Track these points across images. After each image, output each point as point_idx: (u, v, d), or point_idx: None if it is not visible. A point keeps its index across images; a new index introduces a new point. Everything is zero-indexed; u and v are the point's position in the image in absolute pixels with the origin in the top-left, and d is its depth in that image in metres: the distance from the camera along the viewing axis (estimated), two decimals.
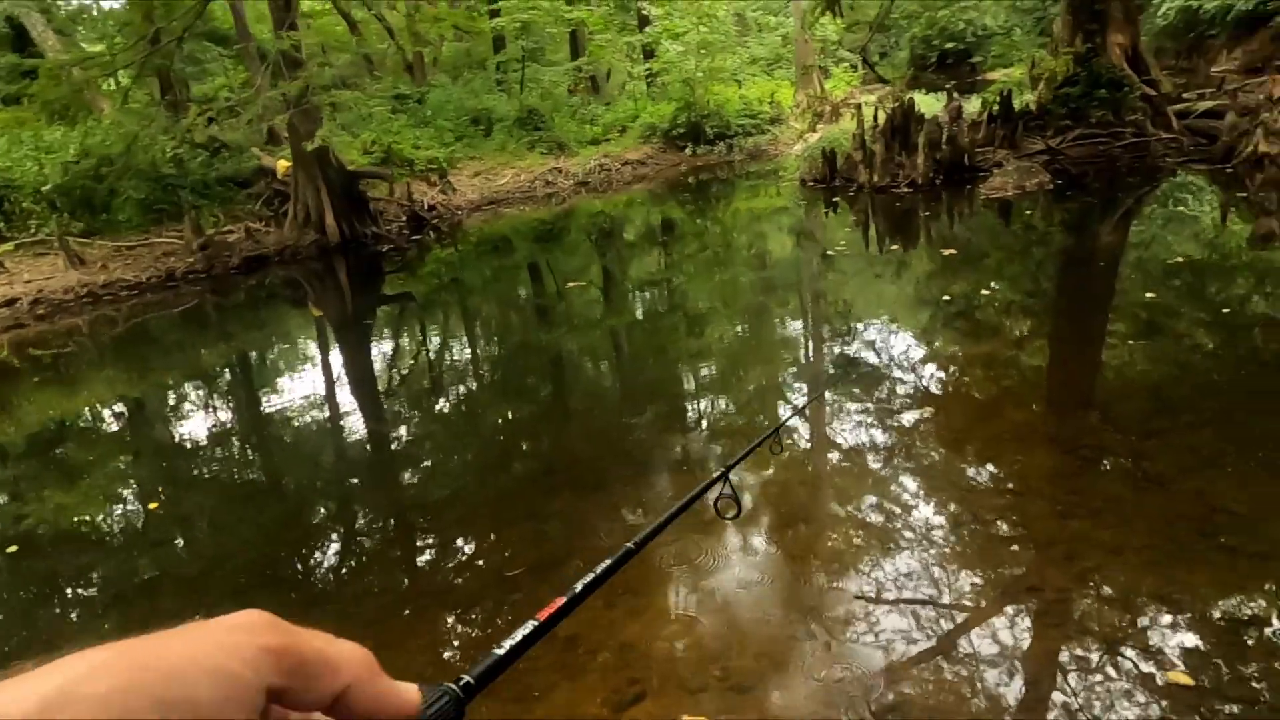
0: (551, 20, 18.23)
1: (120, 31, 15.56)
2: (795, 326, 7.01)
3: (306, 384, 6.87)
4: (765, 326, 6.93)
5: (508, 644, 0.54)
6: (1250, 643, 2.42)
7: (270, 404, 6.46)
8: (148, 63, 12.33)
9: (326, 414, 6.09)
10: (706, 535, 3.29)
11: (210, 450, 5.60)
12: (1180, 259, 6.85)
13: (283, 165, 12.27)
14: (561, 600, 0.64)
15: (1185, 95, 12.17)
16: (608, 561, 0.75)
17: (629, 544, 0.82)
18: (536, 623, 0.59)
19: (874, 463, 3.92)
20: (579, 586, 0.68)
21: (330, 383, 6.96)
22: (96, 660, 0.30)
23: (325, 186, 11.54)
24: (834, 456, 4.16)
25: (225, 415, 6.54)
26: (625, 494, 3.91)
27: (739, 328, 6.95)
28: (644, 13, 20.23)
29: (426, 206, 13.37)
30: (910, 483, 3.65)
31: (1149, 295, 6.01)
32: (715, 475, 1.19)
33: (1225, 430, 3.81)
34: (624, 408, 5.51)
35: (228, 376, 7.62)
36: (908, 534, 3.22)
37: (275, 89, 10.53)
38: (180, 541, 4.32)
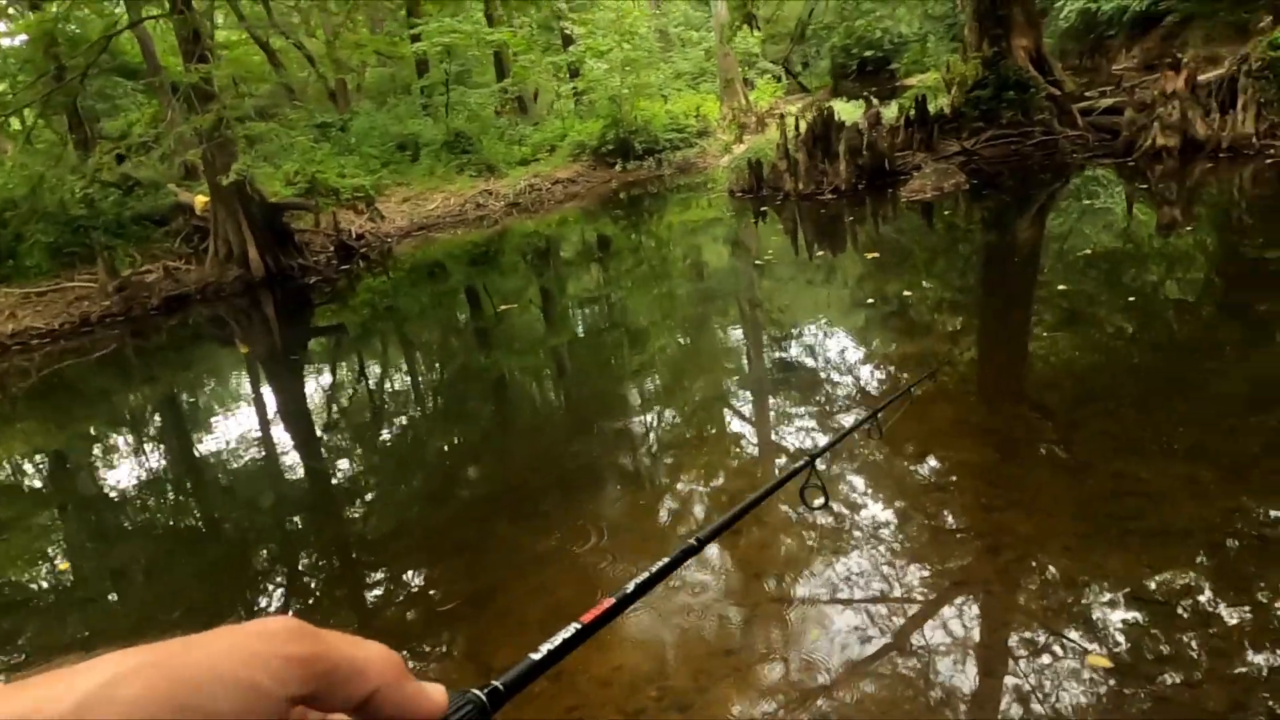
0: (474, 44, 18.15)
1: (22, 69, 14.93)
2: (734, 335, 7.06)
3: (237, 423, 6.63)
4: (705, 337, 6.96)
5: (545, 648, 0.51)
6: (1164, 621, 2.50)
7: (201, 446, 6.22)
8: (51, 101, 11.85)
9: (260, 453, 5.88)
10: (653, 554, 3.26)
11: (140, 499, 5.35)
12: (1093, 250, 7.13)
13: (200, 200, 11.90)
14: (609, 602, 0.59)
15: (1088, 94, 12.75)
16: (664, 560, 0.69)
17: (692, 540, 0.76)
18: (579, 626, 0.55)
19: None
20: (630, 587, 0.62)
21: (263, 420, 6.74)
22: (128, 665, 0.30)
23: (246, 220, 11.22)
24: (777, 459, 4.18)
25: (154, 461, 6.27)
26: (564, 519, 3.86)
27: (679, 339, 6.97)
28: (567, 32, 20.31)
29: (355, 235, 13.11)
30: (844, 483, 3.68)
31: (1068, 286, 6.24)
32: (800, 464, 1.13)
33: (1142, 413, 3.96)
34: (567, 429, 5.46)
35: (154, 421, 7.31)
36: (838, 534, 3.24)
37: (187, 123, 10.21)
38: (113, 596, 4.13)
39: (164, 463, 6.20)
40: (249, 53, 18.94)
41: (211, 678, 0.31)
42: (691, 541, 0.77)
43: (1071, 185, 10.25)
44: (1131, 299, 5.84)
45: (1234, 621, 2.45)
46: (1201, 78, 10.21)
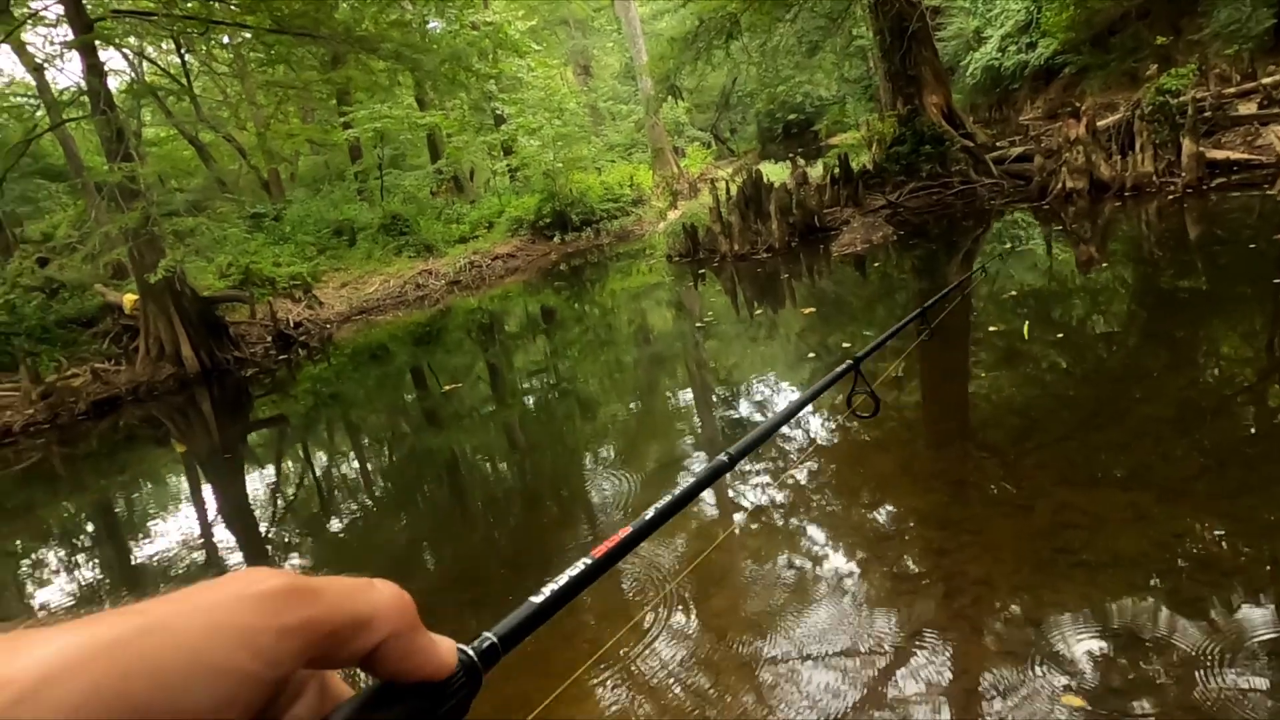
0: (406, 128, 18.38)
1: None
2: (684, 397, 7.08)
3: (175, 526, 6.33)
4: (655, 400, 6.96)
5: (549, 589, 0.44)
6: (1121, 650, 2.51)
7: (136, 553, 5.91)
8: None
9: (200, 555, 5.61)
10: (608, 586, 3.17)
11: (71, 617, 5.02)
12: (1020, 290, 7.40)
13: (129, 299, 11.61)
14: (626, 532, 0.51)
15: (999, 143, 13.44)
16: (693, 481, 0.62)
17: (723, 455, 0.70)
18: (589, 561, 0.47)
19: (767, 518, 3.93)
20: (650, 513, 0.55)
21: (202, 521, 6.45)
22: (69, 655, 0.24)
23: (179, 316, 10.97)
24: (731, 514, 4.14)
25: (86, 574, 5.91)
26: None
27: (629, 405, 6.96)
28: (498, 112, 20.73)
29: (292, 324, 12.91)
30: (798, 534, 3.66)
31: (1001, 326, 6.44)
32: (842, 367, 1.01)
33: (1081, 444, 4.06)
34: (519, 506, 5.35)
35: (86, 531, 6.94)
36: (789, 587, 3.21)
37: (113, 222, 10.03)
38: None
39: (94, 575, 5.86)
40: (178, 148, 18.85)
41: (182, 667, 0.24)
42: (723, 457, 0.71)
43: (994, 229, 10.69)
44: (1060, 334, 6.05)
45: (1188, 644, 2.48)
46: (1101, 123, 10.87)
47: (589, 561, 0.47)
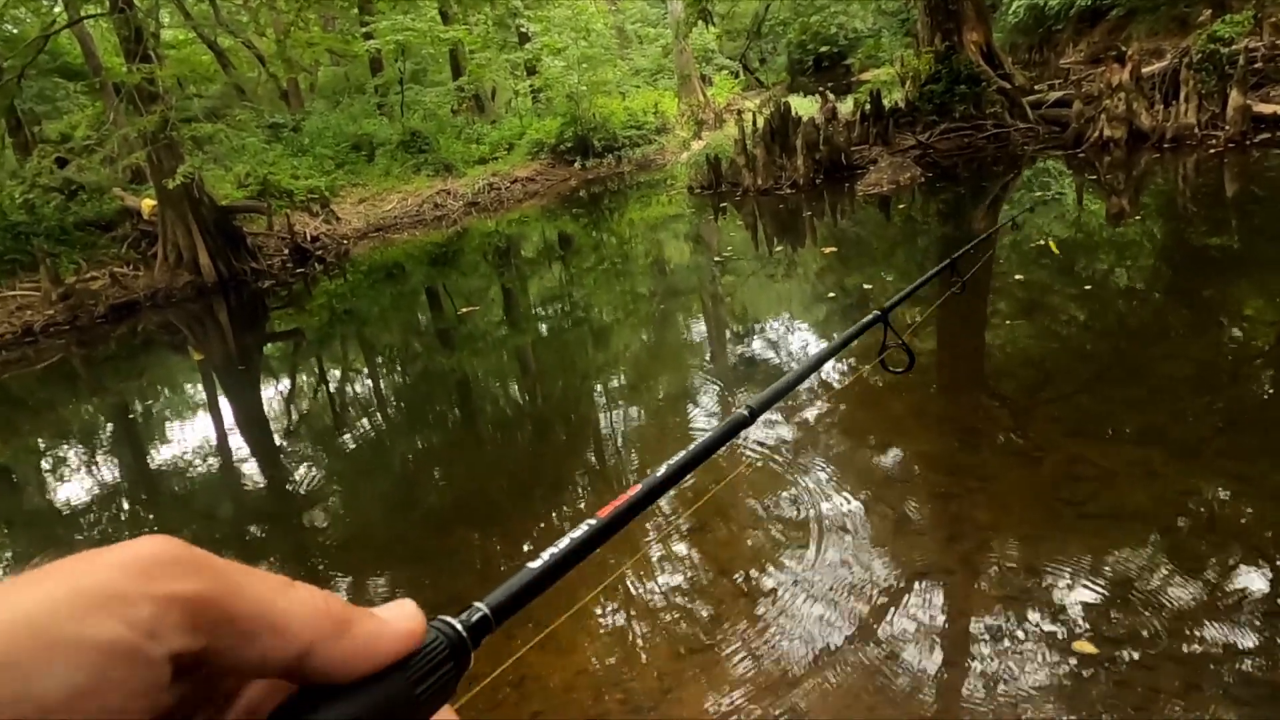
0: (428, 41, 17.93)
1: None
2: (698, 330, 7.06)
3: (192, 432, 6.47)
4: (669, 333, 6.95)
5: (547, 554, 0.40)
6: (1120, 603, 2.54)
7: (153, 457, 6.05)
8: None
9: (216, 462, 5.74)
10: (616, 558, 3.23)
11: (93, 512, 5.18)
12: (1047, 240, 7.26)
13: (148, 205, 11.58)
14: (635, 490, 0.47)
15: (1037, 87, 12.99)
16: (712, 434, 0.59)
17: (743, 409, 0.67)
18: (594, 523, 0.43)
19: (780, 458, 3.96)
20: (663, 470, 0.50)
21: (219, 428, 6.57)
22: None
23: (196, 224, 10.96)
24: (739, 451, 4.18)
25: (104, 474, 6.07)
26: (525, 526, 3.82)
27: (643, 336, 6.95)
28: (523, 30, 20.16)
29: (310, 238, 12.88)
30: (808, 476, 3.70)
31: (1023, 276, 6.34)
32: (869, 318, 0.93)
33: (1095, 398, 4.04)
34: (531, 432, 5.41)
35: (105, 432, 7.09)
36: (793, 524, 3.25)
37: (131, 125, 9.93)
38: None
39: (114, 475, 6.01)
40: (196, 52, 18.50)
41: (31, 643, 0.20)
42: (743, 411, 0.68)
43: (1024, 176, 10.43)
44: (1084, 287, 5.95)
45: (1188, 601, 2.51)
46: (1145, 70, 10.46)
47: (593, 523, 0.43)
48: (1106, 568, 2.72)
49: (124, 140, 10.29)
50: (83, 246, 11.62)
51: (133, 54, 10.14)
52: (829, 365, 5.34)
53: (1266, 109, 9.67)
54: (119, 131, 10.22)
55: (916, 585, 2.78)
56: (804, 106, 14.23)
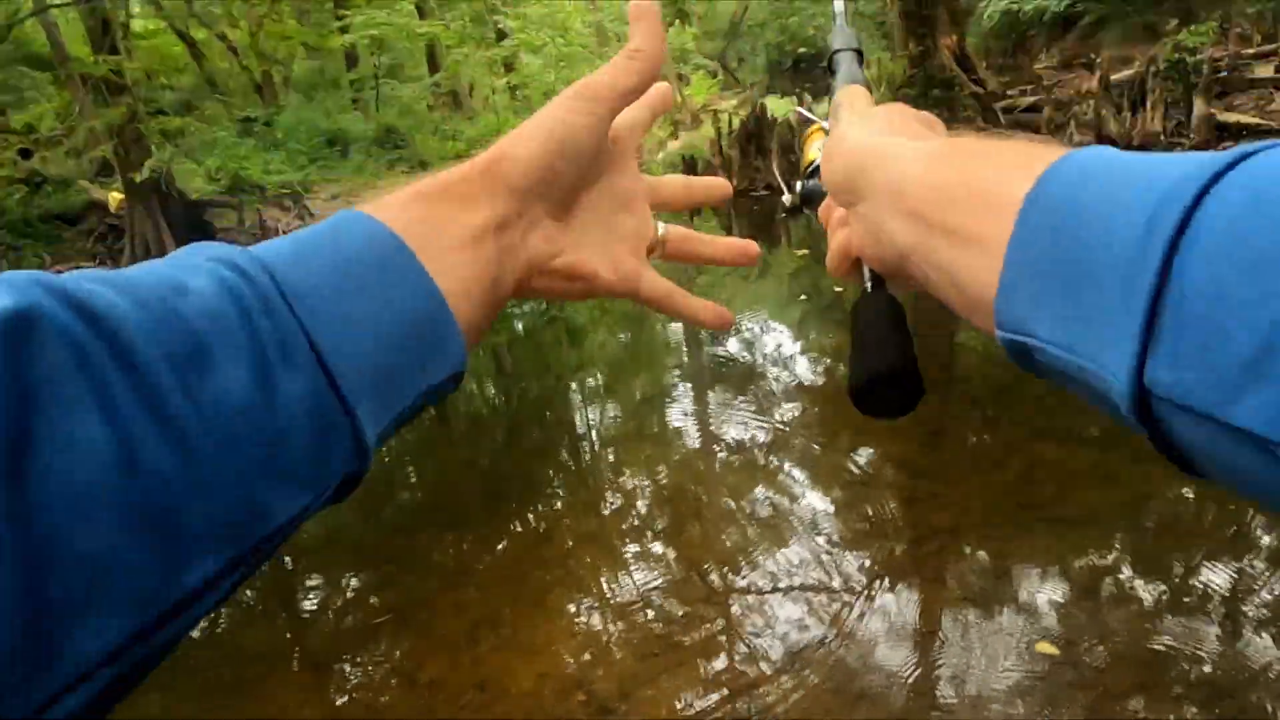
0: (404, 36, 17.78)
1: None
2: (674, 329, 7.07)
3: None
4: (643, 332, 6.95)
5: None
6: (1091, 605, 2.58)
7: None
8: None
9: None
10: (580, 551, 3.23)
11: None
12: None
13: (115, 198, 11.38)
14: None
15: (1009, 92, 13.14)
16: None
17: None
18: None
19: (743, 458, 3.98)
20: None
21: None
22: None
23: (165, 218, 10.79)
24: (712, 449, 4.19)
25: None
26: (495, 528, 3.80)
27: (617, 336, 6.95)
28: (501, 26, 20.04)
29: (282, 233, 12.69)
30: (771, 477, 3.72)
31: None
32: None
33: (1059, 401, 4.09)
34: (503, 430, 5.39)
35: None
36: (761, 530, 3.27)
37: (98, 117, 9.76)
38: None
39: None
40: (168, 43, 18.20)
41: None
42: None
43: None
44: None
45: (1148, 601, 2.55)
46: (1115, 77, 10.63)
47: None
48: (1068, 570, 2.76)
49: (90, 132, 10.10)
50: (48, 240, 11.39)
51: (100, 44, 9.96)
52: (799, 364, 5.38)
53: (1230, 117, 9.87)
54: (86, 123, 10.03)
55: (878, 586, 2.80)
56: (781, 107, 14.29)
